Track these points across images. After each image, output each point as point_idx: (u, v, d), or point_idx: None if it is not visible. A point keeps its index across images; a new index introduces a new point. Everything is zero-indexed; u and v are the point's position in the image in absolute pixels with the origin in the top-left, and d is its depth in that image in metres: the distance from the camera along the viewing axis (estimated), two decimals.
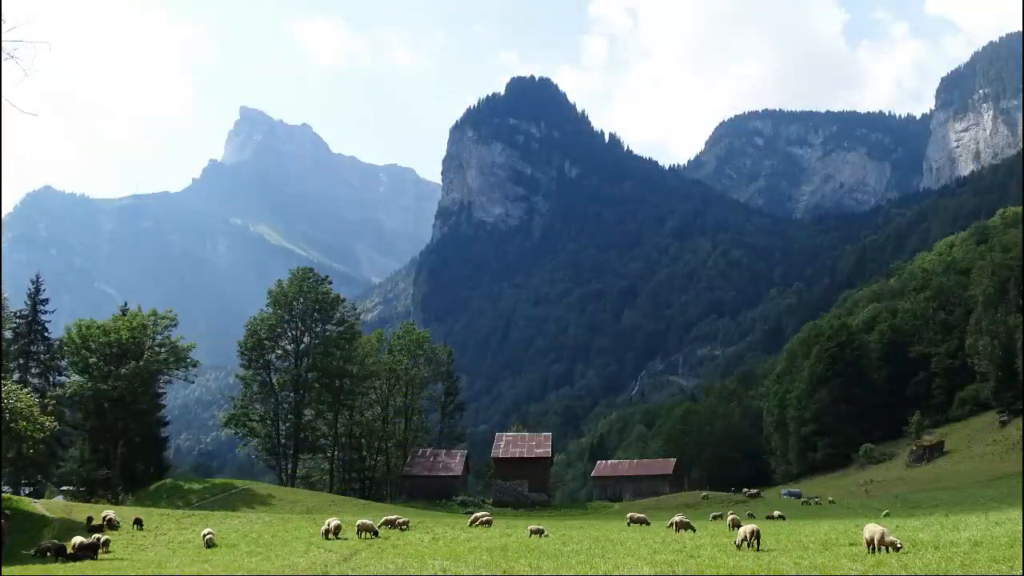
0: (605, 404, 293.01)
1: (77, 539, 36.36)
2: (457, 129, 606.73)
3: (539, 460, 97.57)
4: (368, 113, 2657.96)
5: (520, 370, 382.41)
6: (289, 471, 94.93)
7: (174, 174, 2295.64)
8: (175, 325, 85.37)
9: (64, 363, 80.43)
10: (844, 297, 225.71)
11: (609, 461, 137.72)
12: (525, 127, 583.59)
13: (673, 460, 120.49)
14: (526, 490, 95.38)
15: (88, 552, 35.18)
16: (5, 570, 32.26)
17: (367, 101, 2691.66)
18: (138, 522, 46.35)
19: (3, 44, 18.53)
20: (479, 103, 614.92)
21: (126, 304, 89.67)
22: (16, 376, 73.99)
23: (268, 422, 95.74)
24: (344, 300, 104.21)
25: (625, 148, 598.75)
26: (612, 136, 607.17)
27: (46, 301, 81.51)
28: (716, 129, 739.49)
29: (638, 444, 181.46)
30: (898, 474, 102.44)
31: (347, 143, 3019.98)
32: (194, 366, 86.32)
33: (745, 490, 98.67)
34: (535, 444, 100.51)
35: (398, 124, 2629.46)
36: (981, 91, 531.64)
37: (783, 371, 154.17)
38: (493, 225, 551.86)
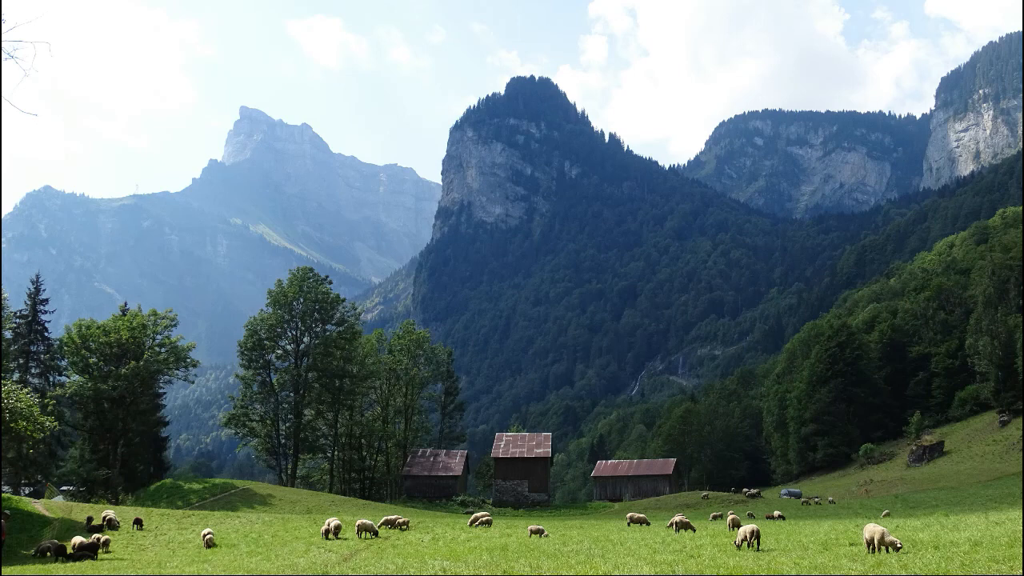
0: (605, 404, 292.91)
1: (77, 539, 36.35)
2: (457, 129, 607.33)
3: (539, 460, 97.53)
4: (368, 113, 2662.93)
5: (520, 370, 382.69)
6: (289, 471, 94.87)
7: (174, 174, 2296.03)
8: (175, 325, 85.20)
9: (64, 363, 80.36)
10: (844, 297, 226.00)
11: (609, 461, 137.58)
12: (525, 127, 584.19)
13: (673, 460, 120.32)
14: (526, 490, 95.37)
15: (88, 552, 35.17)
16: (5, 570, 32.24)
17: (367, 101, 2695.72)
18: (138, 522, 46.32)
19: (3, 44, 18.57)
20: (479, 103, 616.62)
21: (126, 304, 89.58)
22: (16, 376, 74.10)
23: (268, 422, 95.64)
24: (344, 300, 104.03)
25: (625, 148, 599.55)
26: (612, 136, 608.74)
27: (46, 301, 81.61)
28: (716, 129, 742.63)
29: (638, 444, 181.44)
30: (898, 474, 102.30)
31: (347, 143, 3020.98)
32: (194, 366, 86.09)
33: (745, 490, 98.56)
34: (535, 444, 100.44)
35: (398, 124, 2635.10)
36: (981, 91, 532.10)
37: (783, 371, 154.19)
38: (493, 225, 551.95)
